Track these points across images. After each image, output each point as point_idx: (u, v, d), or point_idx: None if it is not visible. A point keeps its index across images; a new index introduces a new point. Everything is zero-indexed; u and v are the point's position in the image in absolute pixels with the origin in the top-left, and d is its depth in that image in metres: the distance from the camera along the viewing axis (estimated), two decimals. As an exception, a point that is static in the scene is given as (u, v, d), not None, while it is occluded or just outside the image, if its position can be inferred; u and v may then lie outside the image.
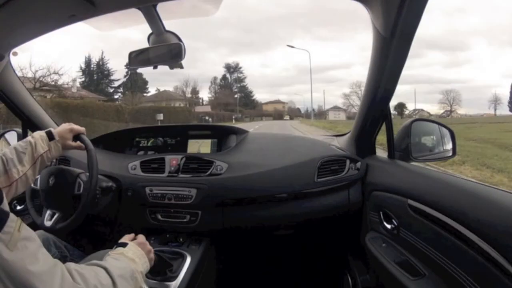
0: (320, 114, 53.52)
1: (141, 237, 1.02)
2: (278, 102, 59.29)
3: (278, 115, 52.95)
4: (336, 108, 52.12)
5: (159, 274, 1.21)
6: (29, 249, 0.62)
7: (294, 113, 57.48)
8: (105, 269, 0.77)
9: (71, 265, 0.72)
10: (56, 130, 1.14)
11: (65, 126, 1.17)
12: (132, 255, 0.89)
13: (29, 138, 1.08)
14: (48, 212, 1.19)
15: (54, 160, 1.62)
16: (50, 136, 1.11)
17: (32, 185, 1.20)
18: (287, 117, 52.91)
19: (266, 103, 57.86)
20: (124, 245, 0.93)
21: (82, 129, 1.20)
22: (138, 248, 0.93)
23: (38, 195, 1.25)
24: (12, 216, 0.62)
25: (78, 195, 1.18)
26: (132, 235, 1.02)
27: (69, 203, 1.18)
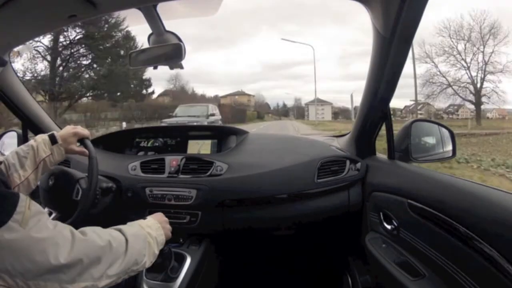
0: (297, 111, 43.12)
1: (160, 214, 1.06)
2: (241, 94, 43.18)
3: (237, 113, 32.48)
4: (319, 103, 35.96)
5: (160, 270, 1.20)
6: (41, 221, 0.67)
7: (263, 109, 44.42)
8: (119, 229, 0.84)
9: (87, 227, 0.78)
10: (59, 133, 1.12)
11: (69, 129, 1.15)
12: (148, 224, 0.94)
13: (31, 142, 1.07)
14: (46, 210, 1.18)
15: None
16: (53, 139, 1.09)
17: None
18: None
19: (225, 96, 41.23)
20: (144, 218, 0.98)
21: (87, 133, 1.17)
22: (155, 221, 0.97)
23: (38, 192, 1.24)
24: (22, 196, 0.67)
25: (75, 201, 1.17)
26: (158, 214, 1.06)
27: (67, 206, 1.17)
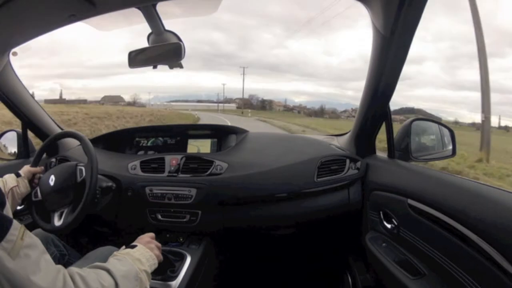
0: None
1: (151, 234, 1.04)
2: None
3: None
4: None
5: (160, 273, 1.21)
6: (32, 258, 0.62)
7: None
8: (108, 270, 0.77)
9: (74, 269, 0.71)
10: (21, 170, 1.26)
11: (26, 168, 1.28)
12: (139, 255, 0.89)
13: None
14: (57, 213, 1.18)
15: (54, 160, 1.63)
16: (17, 174, 1.22)
17: (33, 197, 1.21)
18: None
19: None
20: (133, 247, 0.93)
21: (40, 169, 1.30)
22: (147, 250, 0.93)
23: (39, 205, 1.23)
24: (15, 223, 0.61)
25: (81, 182, 1.19)
26: (151, 234, 1.04)
27: (75, 192, 1.18)
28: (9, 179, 1.18)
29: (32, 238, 0.64)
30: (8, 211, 0.65)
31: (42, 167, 1.32)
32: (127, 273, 0.79)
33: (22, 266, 0.59)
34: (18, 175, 1.22)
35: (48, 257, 0.66)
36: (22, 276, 0.59)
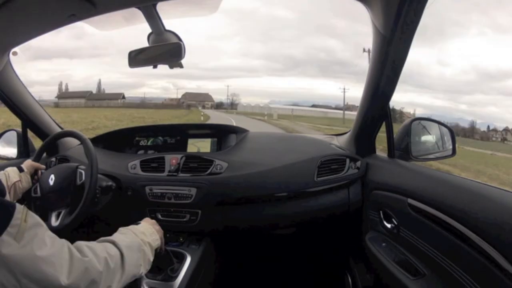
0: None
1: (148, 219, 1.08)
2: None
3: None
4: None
5: (162, 267, 1.21)
6: (37, 236, 0.64)
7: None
8: (113, 242, 0.81)
9: (81, 242, 0.75)
10: (23, 164, 1.26)
11: (29, 162, 1.29)
12: (142, 229, 0.94)
13: (1, 172, 1.19)
14: (54, 213, 1.18)
15: (54, 159, 1.63)
16: (20, 169, 1.23)
17: (32, 193, 1.21)
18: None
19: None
20: (137, 224, 0.99)
21: (43, 166, 1.31)
22: (150, 226, 0.98)
23: (38, 201, 1.23)
24: (18, 206, 0.63)
25: (81, 185, 1.19)
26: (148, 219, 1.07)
27: (75, 194, 1.18)
28: (12, 173, 1.19)
29: (34, 217, 0.66)
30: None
31: (44, 166, 1.31)
32: (130, 244, 0.84)
33: (28, 246, 0.61)
34: (20, 170, 1.22)
35: (51, 233, 0.69)
36: (29, 255, 0.61)
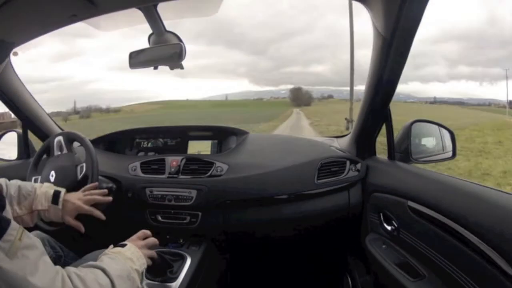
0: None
1: (141, 232, 1.01)
2: None
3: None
4: None
5: (159, 275, 1.20)
6: (30, 258, 0.61)
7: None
8: (103, 270, 0.77)
9: (71, 269, 0.71)
10: (66, 196, 1.07)
11: (75, 199, 1.09)
12: (130, 254, 0.88)
13: (36, 185, 1.05)
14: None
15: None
16: (55, 199, 1.05)
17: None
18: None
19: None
20: (123, 245, 0.92)
21: (91, 209, 1.10)
22: (137, 249, 0.92)
23: None
24: (13, 224, 0.61)
25: (81, 180, 1.19)
26: (141, 232, 1.01)
27: (74, 191, 1.17)
28: (42, 199, 1.03)
29: (31, 239, 0.64)
30: (8, 214, 0.64)
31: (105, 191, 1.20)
32: (121, 273, 0.80)
33: (19, 266, 0.59)
34: (55, 201, 1.04)
35: (47, 258, 0.66)
36: (20, 277, 0.58)
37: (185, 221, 1.44)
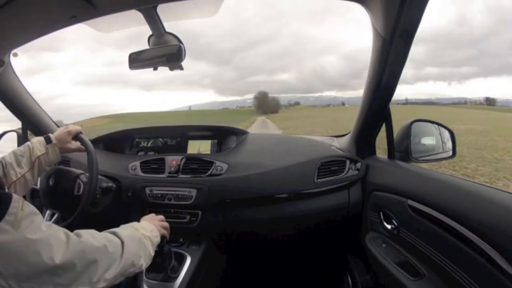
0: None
1: (152, 215, 1.10)
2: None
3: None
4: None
5: (162, 270, 1.21)
6: (34, 223, 0.65)
7: None
8: (113, 232, 0.84)
9: (82, 230, 0.77)
10: (54, 134, 1.16)
11: (62, 129, 1.19)
12: (141, 225, 0.95)
13: (27, 142, 1.11)
14: (48, 212, 1.19)
15: None
16: (48, 139, 1.13)
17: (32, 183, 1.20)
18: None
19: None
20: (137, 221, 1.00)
21: (79, 128, 1.21)
22: (149, 223, 0.99)
23: (38, 195, 1.25)
24: (15, 196, 0.65)
25: (78, 196, 1.19)
26: (152, 215, 1.10)
27: (69, 203, 1.18)
28: (37, 146, 1.10)
29: (30, 207, 0.67)
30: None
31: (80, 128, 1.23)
32: (131, 235, 0.86)
33: (25, 232, 0.63)
34: (48, 141, 1.13)
35: (47, 222, 0.71)
36: (26, 241, 0.62)
37: (185, 220, 1.44)
